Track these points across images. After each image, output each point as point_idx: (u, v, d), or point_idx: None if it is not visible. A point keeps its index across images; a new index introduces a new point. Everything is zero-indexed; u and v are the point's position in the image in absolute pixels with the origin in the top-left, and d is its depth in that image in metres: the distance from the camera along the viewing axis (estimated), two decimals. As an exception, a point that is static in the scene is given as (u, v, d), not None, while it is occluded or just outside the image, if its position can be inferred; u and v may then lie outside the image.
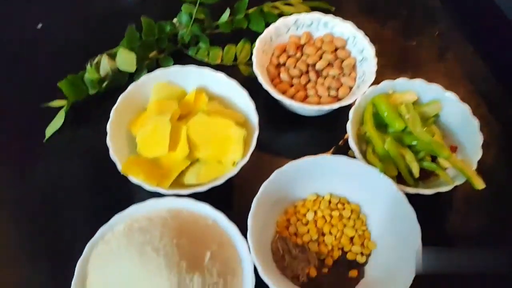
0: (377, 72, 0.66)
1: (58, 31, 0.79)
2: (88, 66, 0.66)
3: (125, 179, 0.57)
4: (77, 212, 0.62)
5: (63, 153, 0.66)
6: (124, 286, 0.48)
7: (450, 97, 0.63)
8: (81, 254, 0.52)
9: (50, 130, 0.67)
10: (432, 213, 0.64)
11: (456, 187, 0.65)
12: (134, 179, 0.56)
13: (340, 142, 0.68)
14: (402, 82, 0.64)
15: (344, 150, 0.65)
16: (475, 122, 0.61)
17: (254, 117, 0.61)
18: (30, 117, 0.70)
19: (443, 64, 0.76)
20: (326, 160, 0.58)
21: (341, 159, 0.58)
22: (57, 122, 0.67)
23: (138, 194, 0.59)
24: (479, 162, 0.59)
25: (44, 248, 0.59)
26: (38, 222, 0.61)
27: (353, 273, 0.57)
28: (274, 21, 0.70)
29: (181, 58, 0.75)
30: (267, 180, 0.56)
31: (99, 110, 0.65)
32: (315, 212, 0.60)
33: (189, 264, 0.49)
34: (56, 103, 0.68)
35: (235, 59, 0.75)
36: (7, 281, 0.58)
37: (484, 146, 0.60)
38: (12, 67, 0.75)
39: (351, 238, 0.59)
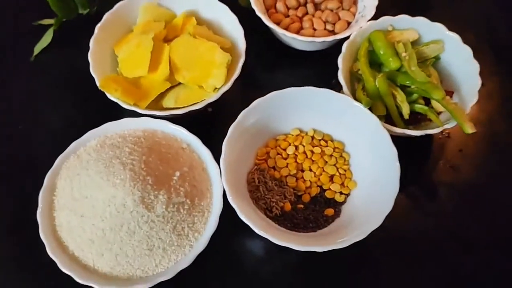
0: (382, 9, 0.62)
1: None
2: (77, -19, 0.64)
3: (104, 97, 0.56)
4: (53, 126, 0.62)
5: (47, 69, 0.66)
6: (89, 197, 0.48)
7: (453, 37, 0.59)
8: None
9: (38, 47, 0.67)
10: (421, 160, 0.62)
11: (450, 137, 0.62)
12: (111, 96, 0.55)
13: (333, 81, 0.65)
14: (403, 18, 0.60)
15: (337, 90, 0.62)
16: (475, 65, 0.57)
17: (241, 43, 0.58)
18: (22, 34, 0.69)
19: (456, 8, 0.71)
20: (311, 93, 0.55)
21: (327, 92, 0.55)
22: (46, 39, 0.67)
23: (115, 113, 0.57)
24: (478, 114, 0.56)
25: (16, 160, 0.60)
26: (15, 133, 0.61)
27: (329, 211, 0.55)
28: None
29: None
30: (247, 108, 0.54)
31: (89, 32, 0.63)
32: (297, 147, 0.58)
33: (155, 181, 0.48)
34: (46, 21, 0.67)
35: (234, -11, 0.71)
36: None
37: (485, 96, 0.57)
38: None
39: (331, 176, 0.57)
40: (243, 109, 0.54)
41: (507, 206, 0.59)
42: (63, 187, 0.50)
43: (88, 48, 0.59)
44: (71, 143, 0.54)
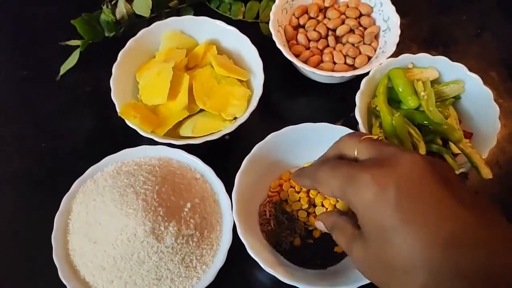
0: (404, 45, 0.63)
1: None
2: (104, 7, 0.66)
3: (123, 123, 0.57)
4: (75, 146, 0.63)
5: (72, 89, 0.67)
6: (102, 223, 0.49)
7: (474, 79, 0.58)
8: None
9: (64, 67, 0.68)
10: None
11: (468, 178, 0.61)
12: (130, 122, 0.56)
13: (352, 113, 0.65)
14: (423, 57, 0.60)
15: (354, 122, 0.62)
16: (495, 109, 0.56)
17: (260, 76, 0.59)
18: (49, 54, 0.71)
19: (478, 45, 0.70)
20: (326, 128, 0.56)
21: (342, 129, 0.55)
22: (72, 60, 0.68)
23: (133, 140, 0.58)
24: (497, 156, 0.55)
25: (34, 181, 0.61)
26: (38, 151, 0.63)
27: (339, 248, 0.55)
28: (301, -21, 0.67)
29: (203, 10, 0.72)
30: (261, 142, 0.55)
31: (114, 53, 0.64)
32: (310, 181, 0.58)
33: (166, 212, 0.49)
34: (73, 42, 0.69)
35: (257, 16, 0.72)
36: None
37: (506, 137, 0.56)
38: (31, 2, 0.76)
39: (343, 213, 0.57)
40: (261, 138, 0.55)
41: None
42: (78, 211, 0.52)
43: (112, 70, 0.60)
44: (90, 164, 0.55)
